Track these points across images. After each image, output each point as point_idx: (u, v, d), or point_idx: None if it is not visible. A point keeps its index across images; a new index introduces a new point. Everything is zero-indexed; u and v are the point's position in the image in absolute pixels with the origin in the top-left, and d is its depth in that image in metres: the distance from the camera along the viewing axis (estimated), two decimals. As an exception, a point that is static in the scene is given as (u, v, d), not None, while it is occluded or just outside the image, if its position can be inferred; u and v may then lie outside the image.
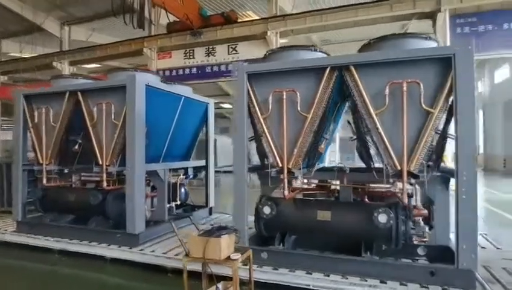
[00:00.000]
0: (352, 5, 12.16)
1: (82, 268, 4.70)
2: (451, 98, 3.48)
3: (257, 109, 4.08)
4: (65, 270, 4.72)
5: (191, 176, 6.62)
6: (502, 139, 19.91)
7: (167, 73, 14.90)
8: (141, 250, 4.67)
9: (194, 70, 15.01)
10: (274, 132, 4.05)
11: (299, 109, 3.87)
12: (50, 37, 17.46)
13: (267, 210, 4.06)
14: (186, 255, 3.09)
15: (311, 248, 4.14)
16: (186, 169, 6.51)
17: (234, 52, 14.20)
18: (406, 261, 3.93)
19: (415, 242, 3.93)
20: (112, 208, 5.14)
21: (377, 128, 3.59)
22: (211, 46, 14.54)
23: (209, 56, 14.68)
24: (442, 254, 3.94)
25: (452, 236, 4.21)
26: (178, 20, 13.36)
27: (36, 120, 5.49)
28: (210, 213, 6.87)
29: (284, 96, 3.91)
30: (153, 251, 4.62)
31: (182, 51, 15.02)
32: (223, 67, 14.56)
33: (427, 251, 4.03)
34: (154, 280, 4.32)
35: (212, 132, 6.93)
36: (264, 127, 4.04)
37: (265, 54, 4.44)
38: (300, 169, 3.95)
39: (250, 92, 4.11)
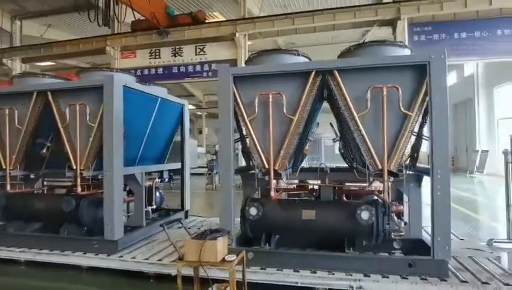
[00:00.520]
0: (319, 10, 12.62)
1: (54, 279, 4.42)
2: (425, 102, 3.76)
3: (243, 111, 4.12)
4: (34, 282, 4.42)
5: (167, 179, 6.48)
6: (450, 140, 21.63)
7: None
8: (120, 257, 4.49)
9: (160, 70, 14.67)
10: (260, 134, 4.10)
11: (285, 111, 3.96)
12: (3, 32, 16.11)
13: (253, 211, 4.10)
14: (180, 259, 3.05)
15: (294, 246, 4.26)
16: (161, 172, 6.37)
17: (202, 52, 14.11)
18: (384, 254, 4.18)
19: (393, 236, 4.17)
20: (86, 214, 4.88)
21: (360, 130, 3.79)
22: (177, 46, 14.32)
23: (176, 56, 14.44)
24: (416, 247, 4.24)
25: (424, 230, 4.57)
26: (143, 18, 12.99)
27: (-1, 122, 5.08)
28: (186, 216, 6.76)
29: (270, 99, 3.99)
30: (133, 257, 4.45)
31: (147, 51, 14.63)
32: (190, 68, 14.41)
33: (402, 244, 4.30)
34: (136, 287, 4.19)
35: (188, 134, 6.84)
36: (251, 129, 4.09)
37: (249, 57, 4.49)
38: (286, 170, 4.05)
39: (236, 94, 4.13)
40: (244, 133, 4.24)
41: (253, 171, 4.21)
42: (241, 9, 13.50)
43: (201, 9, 14.58)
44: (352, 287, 3.57)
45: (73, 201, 4.84)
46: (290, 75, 4.03)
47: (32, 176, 5.46)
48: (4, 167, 5.07)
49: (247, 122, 4.10)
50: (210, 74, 14.15)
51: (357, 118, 3.80)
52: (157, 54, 14.55)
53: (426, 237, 4.45)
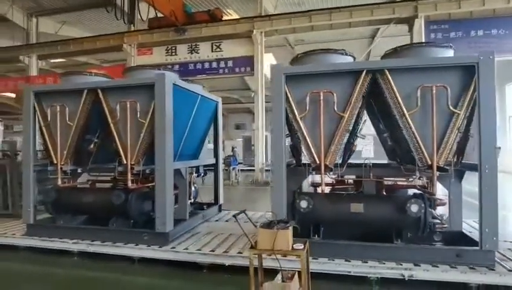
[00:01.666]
0: (336, 7, 12.74)
1: (108, 270, 4.59)
2: (472, 101, 3.94)
3: (294, 108, 4.30)
4: (90, 273, 4.59)
5: (202, 174, 6.68)
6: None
7: (148, 69, 14.54)
8: (173, 248, 4.69)
9: (176, 67, 14.83)
10: (310, 130, 4.29)
11: (335, 109, 4.15)
12: (18, 28, 16.24)
13: (304, 204, 4.30)
14: (252, 247, 3.24)
15: (339, 237, 4.45)
16: (197, 167, 6.56)
17: (218, 50, 14.29)
18: (425, 245, 4.35)
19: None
20: (134, 207, 5.09)
21: (410, 127, 3.97)
22: (194, 43, 14.50)
23: (192, 53, 14.62)
24: (457, 238, 4.45)
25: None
26: (160, 16, 13.13)
27: (49, 118, 5.26)
28: (220, 210, 6.97)
29: (321, 97, 4.17)
30: (186, 249, 4.66)
31: (164, 48, 14.82)
32: (206, 65, 14.57)
33: (444, 236, 4.49)
34: (190, 277, 4.35)
35: (221, 130, 7.03)
36: (302, 125, 4.27)
37: (296, 56, 4.66)
38: (336, 165, 4.25)
39: (288, 92, 4.31)
40: (294, 129, 4.41)
41: (293, 166, 4.40)
42: (258, 6, 13.63)
43: (215, 6, 14.71)
44: (404, 276, 3.78)
45: (122, 195, 5.03)
46: (340, 74, 4.21)
47: (79, 171, 5.64)
48: (55, 162, 5.25)
49: (299, 119, 4.28)
50: (226, 70, 14.33)
51: (407, 116, 3.98)
52: (173, 51, 14.72)
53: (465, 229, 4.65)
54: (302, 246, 3.22)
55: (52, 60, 19.02)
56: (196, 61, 14.56)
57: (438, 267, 3.85)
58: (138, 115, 4.85)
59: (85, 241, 5.00)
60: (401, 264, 3.92)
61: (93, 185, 5.87)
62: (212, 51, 14.35)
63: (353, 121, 4.21)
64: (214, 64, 14.39)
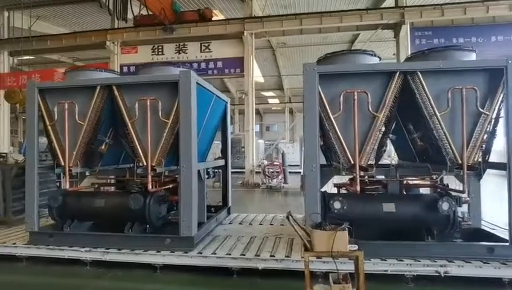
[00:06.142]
0: (327, 12, 12.95)
1: (128, 279, 4.29)
2: (500, 102, 4.12)
3: (327, 108, 4.28)
4: (108, 283, 4.28)
5: (212, 176, 6.50)
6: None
7: (132, 69, 14.10)
8: (200, 253, 4.48)
9: (163, 67, 14.39)
10: (344, 131, 4.29)
11: (370, 109, 4.18)
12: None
13: (337, 205, 4.27)
14: (306, 250, 3.16)
15: (370, 237, 4.46)
16: (206, 169, 6.37)
17: (207, 50, 14.07)
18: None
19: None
20: (153, 211, 4.83)
21: (442, 128, 4.09)
22: (182, 43, 14.16)
23: (179, 53, 14.28)
24: (476, 235, 4.62)
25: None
26: (145, 13, 12.72)
27: (56, 117, 4.88)
28: (228, 213, 6.81)
29: (356, 97, 4.19)
30: (214, 253, 4.47)
31: (150, 47, 14.37)
32: (195, 65, 14.27)
33: (463, 233, 4.64)
34: (222, 283, 4.15)
35: (230, 131, 6.88)
36: (335, 125, 4.26)
37: (325, 56, 4.65)
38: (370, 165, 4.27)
39: (321, 92, 4.29)
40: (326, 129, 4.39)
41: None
42: (249, 8, 13.59)
43: (202, 6, 14.45)
44: (439, 273, 3.86)
45: (141, 198, 4.76)
46: (373, 75, 4.25)
47: (87, 173, 5.28)
48: (63, 164, 4.88)
49: (332, 119, 4.27)
50: (215, 71, 14.13)
51: (439, 116, 4.09)
52: (160, 50, 14.31)
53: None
54: (357, 247, 3.20)
55: (18, 58, 17.88)
56: (184, 62, 14.20)
57: (470, 263, 3.97)
58: (160, 114, 4.62)
59: (99, 249, 4.66)
60: (436, 261, 3.99)
61: (98, 189, 5.52)
62: (201, 51, 14.10)
63: (386, 121, 4.26)
64: (203, 65, 14.14)
